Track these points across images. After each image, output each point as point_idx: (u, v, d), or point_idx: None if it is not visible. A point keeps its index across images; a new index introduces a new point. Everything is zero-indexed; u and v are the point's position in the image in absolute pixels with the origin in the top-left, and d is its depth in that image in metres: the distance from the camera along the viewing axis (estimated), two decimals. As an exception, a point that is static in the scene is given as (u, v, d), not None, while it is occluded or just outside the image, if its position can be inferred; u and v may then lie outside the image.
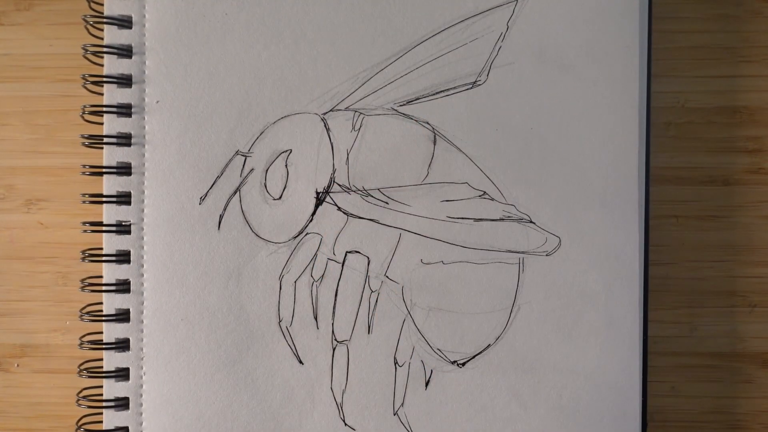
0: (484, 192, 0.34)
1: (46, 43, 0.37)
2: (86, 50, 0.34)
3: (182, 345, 0.34)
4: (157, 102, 0.34)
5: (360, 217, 0.34)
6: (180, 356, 0.34)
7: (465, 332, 0.34)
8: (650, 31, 0.34)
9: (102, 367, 0.34)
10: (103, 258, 0.34)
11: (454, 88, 0.34)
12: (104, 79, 0.34)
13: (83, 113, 0.34)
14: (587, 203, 0.34)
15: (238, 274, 0.34)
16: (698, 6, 0.36)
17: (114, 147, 0.34)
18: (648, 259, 0.34)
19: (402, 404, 0.34)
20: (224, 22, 0.34)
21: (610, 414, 0.34)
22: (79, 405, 0.34)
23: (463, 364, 0.34)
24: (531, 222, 0.34)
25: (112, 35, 0.34)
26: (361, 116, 0.34)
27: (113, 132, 0.34)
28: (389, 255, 0.34)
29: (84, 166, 0.34)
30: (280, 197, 0.34)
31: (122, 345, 0.34)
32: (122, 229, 0.34)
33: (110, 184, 0.34)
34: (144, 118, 0.34)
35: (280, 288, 0.34)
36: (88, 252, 0.34)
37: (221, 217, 0.34)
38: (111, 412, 0.34)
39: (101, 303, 0.34)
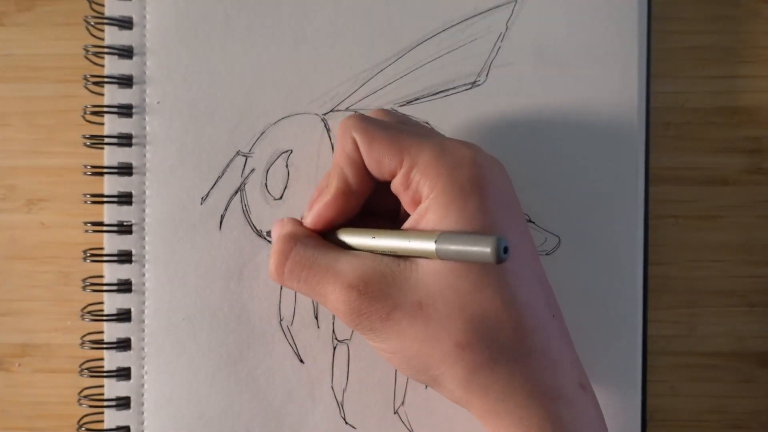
0: (484, 192, 0.34)
1: (48, 44, 0.37)
2: (87, 51, 0.34)
3: (183, 344, 0.34)
4: (158, 102, 0.34)
5: (360, 217, 0.34)
6: (181, 356, 0.34)
7: (465, 332, 0.34)
8: (650, 31, 0.34)
9: (103, 366, 0.34)
10: (105, 258, 0.34)
11: (454, 88, 0.34)
12: (105, 80, 0.34)
13: (84, 113, 0.34)
14: (587, 203, 0.34)
15: (239, 273, 0.34)
16: (698, 6, 0.36)
17: (115, 147, 0.34)
18: (648, 259, 0.34)
19: (402, 403, 0.34)
20: (225, 22, 0.34)
21: (610, 413, 0.34)
22: (81, 404, 0.34)
23: (463, 364, 0.34)
24: (531, 222, 0.34)
25: (112, 36, 0.34)
26: (362, 116, 0.34)
27: (114, 132, 0.34)
28: (389, 255, 0.34)
29: (85, 166, 0.34)
30: (281, 197, 0.34)
31: (123, 344, 0.34)
32: (123, 229, 0.34)
33: (111, 185, 0.34)
34: (145, 119, 0.34)
35: (281, 287, 0.34)
36: (89, 252, 0.34)
37: (222, 216, 0.34)
38: (112, 411, 0.34)
39: (102, 303, 0.34)
